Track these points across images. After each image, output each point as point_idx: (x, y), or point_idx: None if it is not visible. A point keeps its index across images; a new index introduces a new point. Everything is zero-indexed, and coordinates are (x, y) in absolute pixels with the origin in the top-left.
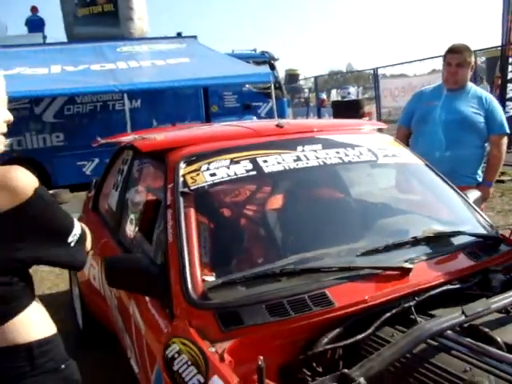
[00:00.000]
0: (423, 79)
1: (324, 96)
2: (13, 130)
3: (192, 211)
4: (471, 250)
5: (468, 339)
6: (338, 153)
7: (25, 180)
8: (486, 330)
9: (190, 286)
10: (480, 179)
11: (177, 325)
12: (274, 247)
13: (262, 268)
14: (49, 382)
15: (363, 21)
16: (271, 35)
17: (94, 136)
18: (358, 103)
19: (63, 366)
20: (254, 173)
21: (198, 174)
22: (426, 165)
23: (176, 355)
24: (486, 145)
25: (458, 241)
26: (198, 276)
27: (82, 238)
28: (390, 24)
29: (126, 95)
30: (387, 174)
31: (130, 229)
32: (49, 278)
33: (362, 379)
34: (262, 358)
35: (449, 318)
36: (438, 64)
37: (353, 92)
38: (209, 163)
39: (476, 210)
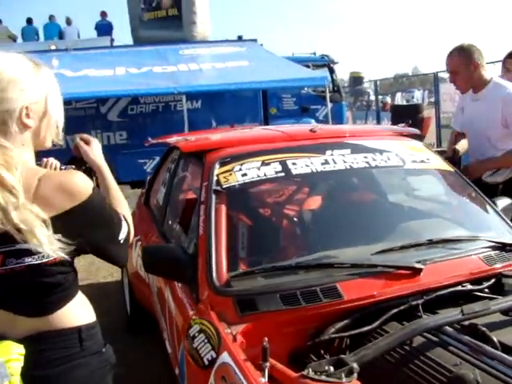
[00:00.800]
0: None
1: (388, 99)
2: (80, 128)
3: (222, 207)
4: (487, 255)
5: (466, 337)
6: (365, 157)
7: (83, 183)
8: (484, 329)
9: (214, 274)
10: None
11: (200, 308)
12: (296, 244)
13: (282, 262)
14: (93, 362)
15: (431, 22)
16: (336, 38)
17: (156, 135)
18: (417, 108)
19: (104, 350)
20: (283, 174)
21: (230, 174)
22: (456, 171)
23: (196, 334)
24: None
25: (474, 246)
26: (224, 266)
27: (128, 236)
28: (460, 26)
29: (184, 97)
30: (415, 180)
31: (172, 222)
32: (104, 268)
33: (355, 364)
34: (266, 339)
35: (446, 315)
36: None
37: (418, 96)
38: (241, 164)
39: (502, 217)
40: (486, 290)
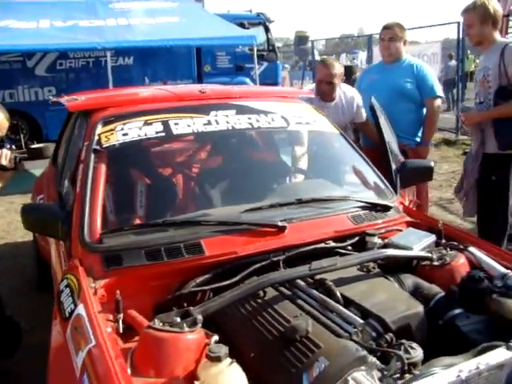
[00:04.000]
0: (432, 47)
1: None
2: (5, 83)
3: (101, 167)
4: (356, 215)
5: (314, 291)
6: (249, 118)
7: None
8: (330, 283)
9: (86, 231)
10: (419, 140)
11: (70, 263)
12: (172, 203)
13: (152, 220)
14: None
15: None
16: None
17: (86, 90)
18: (350, 69)
19: None
20: (163, 134)
21: (112, 134)
22: (341, 133)
23: (64, 288)
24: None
25: (344, 205)
26: (97, 224)
27: None
28: None
29: (109, 53)
30: (299, 140)
31: (64, 182)
32: (22, 227)
33: (199, 316)
34: (118, 292)
35: (294, 270)
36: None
37: (362, 57)
38: (124, 124)
39: (381, 179)
40: (349, 247)
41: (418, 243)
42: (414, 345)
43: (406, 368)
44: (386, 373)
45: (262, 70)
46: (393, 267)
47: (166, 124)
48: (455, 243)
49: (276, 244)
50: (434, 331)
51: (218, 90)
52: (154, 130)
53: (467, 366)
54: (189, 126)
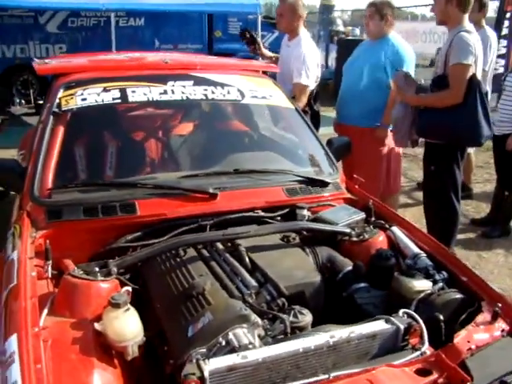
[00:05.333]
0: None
1: (357, 32)
2: (17, 38)
3: (58, 128)
4: (291, 188)
5: (227, 254)
6: (205, 90)
7: None
8: (243, 249)
9: (36, 186)
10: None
11: (19, 214)
12: (120, 166)
13: (97, 181)
14: None
15: None
16: None
17: (95, 50)
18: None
19: None
20: (119, 101)
21: (71, 98)
22: (296, 109)
23: (9, 236)
24: None
25: (281, 178)
26: (47, 180)
27: None
28: None
29: (112, 15)
30: (252, 114)
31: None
32: None
33: (114, 268)
34: (48, 241)
35: (208, 234)
36: None
37: None
38: (84, 89)
39: (329, 156)
40: (279, 218)
41: (345, 219)
42: (305, 311)
43: (288, 330)
44: (269, 333)
45: (273, 39)
46: (319, 240)
47: (123, 91)
48: (382, 222)
49: (205, 209)
50: (339, 302)
51: (182, 60)
52: (111, 96)
53: (339, 333)
54: (145, 94)
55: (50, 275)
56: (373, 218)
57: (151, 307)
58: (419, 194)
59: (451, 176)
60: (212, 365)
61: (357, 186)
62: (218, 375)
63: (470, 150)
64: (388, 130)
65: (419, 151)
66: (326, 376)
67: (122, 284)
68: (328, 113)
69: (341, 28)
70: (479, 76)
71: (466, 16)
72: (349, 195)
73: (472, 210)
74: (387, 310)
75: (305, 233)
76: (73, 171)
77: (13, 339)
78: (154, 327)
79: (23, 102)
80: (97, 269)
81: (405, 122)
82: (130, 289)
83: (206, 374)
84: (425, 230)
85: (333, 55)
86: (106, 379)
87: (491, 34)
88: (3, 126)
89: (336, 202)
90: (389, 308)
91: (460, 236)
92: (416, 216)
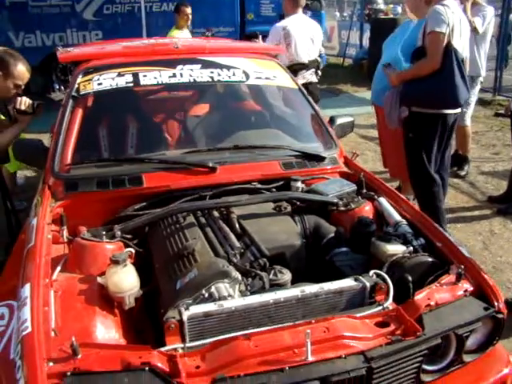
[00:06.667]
0: None
1: (399, 10)
2: (55, 26)
3: (77, 110)
4: (287, 162)
5: (220, 221)
6: (211, 72)
7: None
8: (234, 217)
9: (56, 162)
10: None
11: (42, 187)
12: (131, 144)
13: (109, 157)
14: None
15: None
16: None
17: (130, 36)
18: (395, 21)
19: None
20: (132, 85)
21: (89, 83)
22: (299, 89)
23: (33, 207)
24: None
25: (278, 153)
26: (67, 157)
27: None
28: None
29: (142, 1)
30: (257, 94)
31: None
32: None
33: (118, 232)
34: (62, 209)
35: (204, 202)
36: None
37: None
38: (100, 75)
39: (328, 133)
40: (274, 189)
41: (336, 190)
42: (284, 270)
43: (267, 286)
44: (249, 288)
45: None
46: (311, 210)
47: (135, 75)
48: (372, 193)
49: (205, 181)
50: (322, 265)
51: (192, 45)
52: (124, 80)
53: (309, 288)
54: (155, 78)
55: (65, 239)
56: (364, 190)
57: (152, 267)
58: None
59: (426, 145)
60: (191, 311)
61: (354, 161)
62: (196, 320)
63: (467, 123)
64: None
65: None
66: (291, 323)
67: (128, 246)
68: (361, 93)
69: (381, 6)
70: (458, 45)
71: None
72: (345, 169)
73: (491, 187)
74: (366, 272)
75: (298, 203)
76: (89, 149)
77: (26, 287)
78: (153, 284)
79: (62, 88)
80: (103, 232)
81: (394, 106)
82: (132, 250)
83: (185, 317)
84: None
85: (367, 35)
86: (106, 325)
87: (489, 8)
88: (39, 110)
89: (331, 176)
90: (367, 270)
91: (475, 212)
92: None
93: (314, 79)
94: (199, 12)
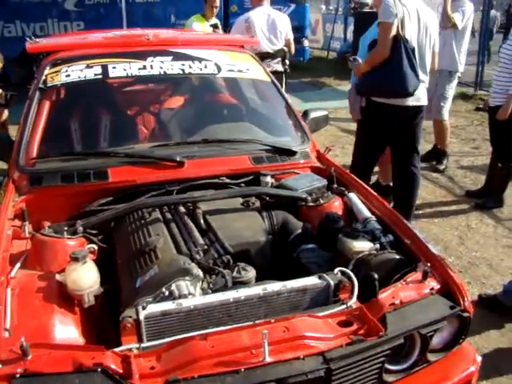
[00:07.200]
0: None
1: None
2: (36, 17)
3: (44, 103)
4: (257, 156)
5: (186, 216)
6: (183, 65)
7: None
8: (199, 212)
9: (21, 155)
10: None
11: (6, 181)
12: (98, 137)
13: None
14: None
15: None
16: None
17: (113, 27)
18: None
19: None
20: (100, 77)
21: (57, 75)
22: (272, 82)
23: None
24: None
25: (249, 147)
26: (32, 151)
27: None
28: None
29: None
30: (230, 87)
31: None
32: None
33: (80, 227)
34: (24, 205)
35: (168, 197)
36: None
37: None
38: (69, 66)
39: (301, 127)
40: (243, 184)
41: (306, 186)
42: (249, 268)
43: (229, 284)
44: (211, 286)
45: (289, 12)
46: (281, 205)
47: (104, 67)
48: (342, 188)
49: (173, 176)
50: (289, 262)
51: (164, 37)
52: (93, 72)
53: (271, 286)
54: (124, 69)
55: (27, 235)
56: (335, 185)
57: (115, 263)
58: None
59: (376, 133)
60: (148, 310)
61: (327, 156)
62: (154, 319)
63: (445, 117)
64: None
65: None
66: (251, 322)
67: (91, 242)
68: (344, 86)
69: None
70: (409, 35)
71: None
72: (317, 164)
73: (470, 182)
74: (329, 269)
75: (267, 198)
76: (56, 142)
77: None
78: (115, 281)
79: None
80: (65, 228)
81: (356, 97)
82: (95, 246)
83: (142, 317)
84: (420, 201)
85: (351, 28)
86: (64, 323)
87: (468, 4)
88: (12, 101)
89: (302, 170)
90: (334, 267)
91: (453, 207)
92: None
93: (280, 68)
94: (182, 4)
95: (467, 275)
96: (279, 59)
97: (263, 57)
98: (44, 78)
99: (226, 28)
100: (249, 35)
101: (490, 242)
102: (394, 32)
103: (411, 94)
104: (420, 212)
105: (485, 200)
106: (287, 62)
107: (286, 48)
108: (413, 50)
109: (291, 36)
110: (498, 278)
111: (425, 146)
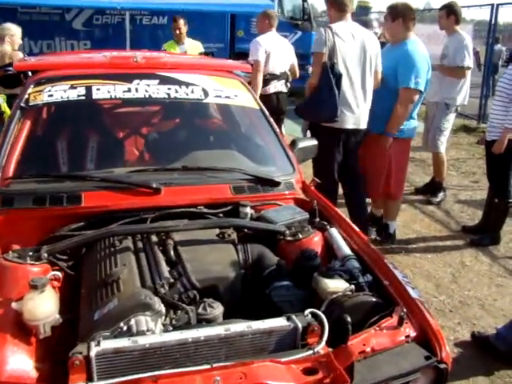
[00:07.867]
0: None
1: None
2: (44, 34)
3: (24, 122)
4: (238, 186)
5: (156, 246)
6: (169, 89)
7: None
8: (170, 243)
9: None
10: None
11: None
12: (77, 160)
13: (51, 173)
14: None
15: None
16: None
17: (120, 46)
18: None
19: None
20: (83, 98)
21: (39, 94)
22: (261, 110)
23: None
24: None
25: (231, 176)
26: (8, 170)
27: None
28: None
29: (127, 14)
30: (217, 113)
31: None
32: None
33: (45, 253)
34: None
35: (139, 226)
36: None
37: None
38: (53, 86)
39: (287, 157)
40: (221, 214)
41: (286, 218)
42: (215, 304)
43: (193, 321)
44: (174, 322)
45: (295, 39)
46: (259, 238)
47: (88, 89)
48: (324, 223)
49: (148, 203)
50: (262, 299)
51: (153, 60)
52: (76, 93)
53: (235, 327)
54: (109, 92)
55: None
56: (317, 219)
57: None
58: (415, 199)
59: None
60: (101, 346)
61: (312, 188)
62: (106, 356)
63: (441, 150)
64: (391, 138)
65: (426, 155)
66: (208, 366)
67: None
68: None
69: (377, 30)
70: (341, 60)
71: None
72: (301, 196)
73: (467, 217)
74: (303, 308)
75: (246, 230)
76: (33, 163)
77: None
78: (77, 311)
79: None
80: (30, 253)
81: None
82: (59, 273)
83: (92, 353)
84: (415, 235)
85: None
86: (16, 353)
87: (466, 36)
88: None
89: (285, 202)
90: (309, 307)
91: (447, 242)
92: (406, 221)
93: (284, 89)
94: (189, 27)
95: (458, 315)
96: (283, 81)
97: (271, 78)
98: (27, 96)
99: (231, 52)
100: (266, 56)
101: (484, 280)
102: (323, 60)
103: (335, 120)
104: (413, 246)
105: (481, 237)
106: (289, 84)
107: (288, 72)
108: (339, 77)
109: (295, 61)
110: (489, 319)
111: (423, 178)
